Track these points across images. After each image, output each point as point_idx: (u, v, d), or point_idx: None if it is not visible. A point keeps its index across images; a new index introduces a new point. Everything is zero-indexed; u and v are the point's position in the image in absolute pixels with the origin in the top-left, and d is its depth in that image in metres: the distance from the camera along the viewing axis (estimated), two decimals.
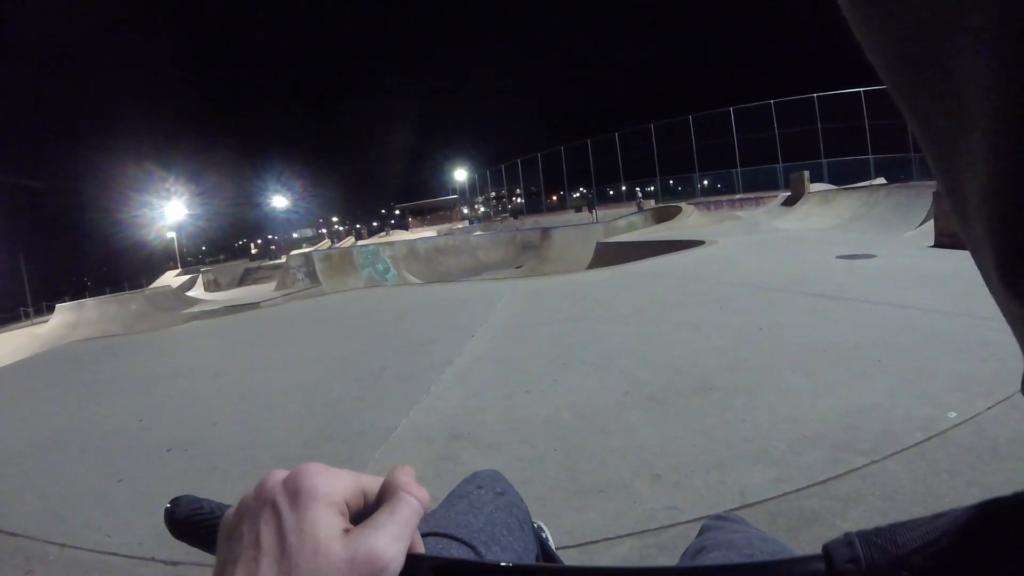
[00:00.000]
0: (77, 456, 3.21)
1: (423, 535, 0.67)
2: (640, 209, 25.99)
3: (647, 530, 1.82)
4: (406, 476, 0.39)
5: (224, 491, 2.40)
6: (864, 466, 2.02)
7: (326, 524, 0.34)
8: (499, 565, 0.39)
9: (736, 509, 1.85)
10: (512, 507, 0.80)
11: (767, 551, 0.67)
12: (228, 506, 0.41)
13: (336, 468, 0.38)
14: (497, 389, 3.38)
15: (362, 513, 0.37)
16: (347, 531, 0.35)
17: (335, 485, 0.36)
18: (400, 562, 0.35)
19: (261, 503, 0.36)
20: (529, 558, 0.75)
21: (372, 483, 0.38)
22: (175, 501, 0.45)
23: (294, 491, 0.35)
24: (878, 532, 0.30)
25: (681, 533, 1.77)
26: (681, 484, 2.07)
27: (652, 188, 42.37)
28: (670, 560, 1.67)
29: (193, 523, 0.44)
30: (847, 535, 0.31)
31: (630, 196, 42.07)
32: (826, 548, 0.31)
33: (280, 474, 0.37)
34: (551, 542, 1.07)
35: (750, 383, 2.99)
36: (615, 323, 4.77)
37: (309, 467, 0.37)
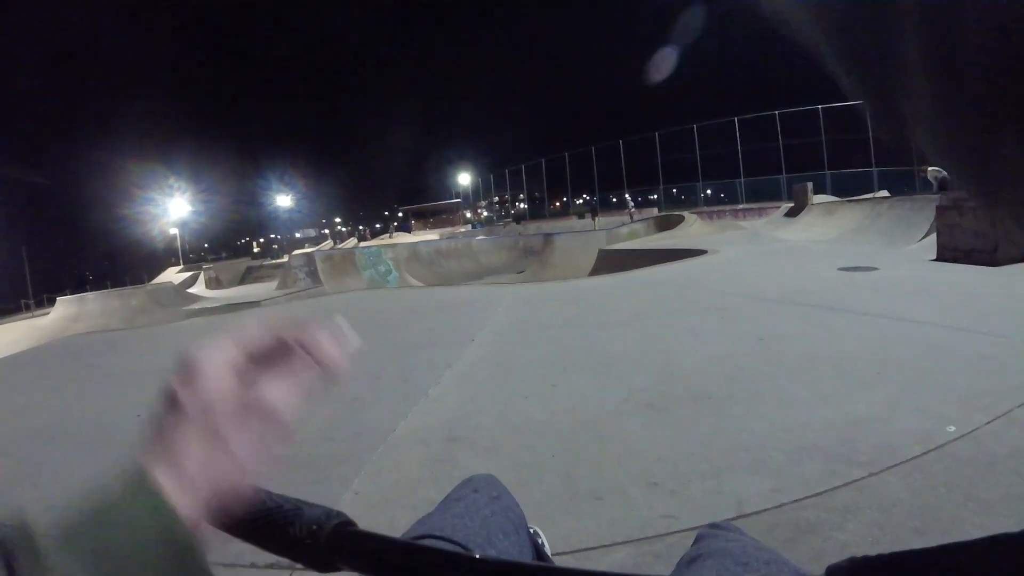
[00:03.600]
0: (75, 448, 3.22)
1: (419, 537, 0.68)
2: (632, 219, 25.93)
3: (643, 538, 1.82)
4: (308, 330, 0.45)
5: None
6: (862, 478, 2.02)
7: (214, 386, 0.40)
8: (471, 557, 0.40)
9: (733, 519, 1.85)
10: (507, 511, 0.80)
11: (762, 559, 0.67)
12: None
13: (215, 341, 0.42)
14: (495, 393, 3.38)
15: (251, 368, 0.43)
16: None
17: (215, 356, 0.41)
18: (285, 410, 0.42)
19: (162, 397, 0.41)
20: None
21: (251, 339, 0.43)
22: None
23: (183, 370, 0.41)
24: (884, 558, 0.30)
25: (677, 542, 1.77)
26: (678, 492, 2.07)
27: (655, 196, 42.31)
28: (665, 569, 1.67)
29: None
30: (853, 559, 0.30)
31: (633, 201, 42.06)
32: (830, 571, 0.31)
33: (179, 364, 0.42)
34: (547, 547, 1.07)
35: (749, 392, 2.99)
36: (615, 330, 4.77)
37: (189, 349, 0.41)
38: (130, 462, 0.39)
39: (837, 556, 0.31)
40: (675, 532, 1.82)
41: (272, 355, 0.43)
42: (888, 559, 0.29)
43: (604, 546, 1.80)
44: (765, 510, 1.89)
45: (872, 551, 0.30)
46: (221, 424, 0.39)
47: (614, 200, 42.12)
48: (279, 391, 0.42)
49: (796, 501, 1.92)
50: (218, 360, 0.41)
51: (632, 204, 33.66)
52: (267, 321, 0.44)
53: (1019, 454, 2.08)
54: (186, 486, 0.37)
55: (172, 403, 0.40)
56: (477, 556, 0.48)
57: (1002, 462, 2.04)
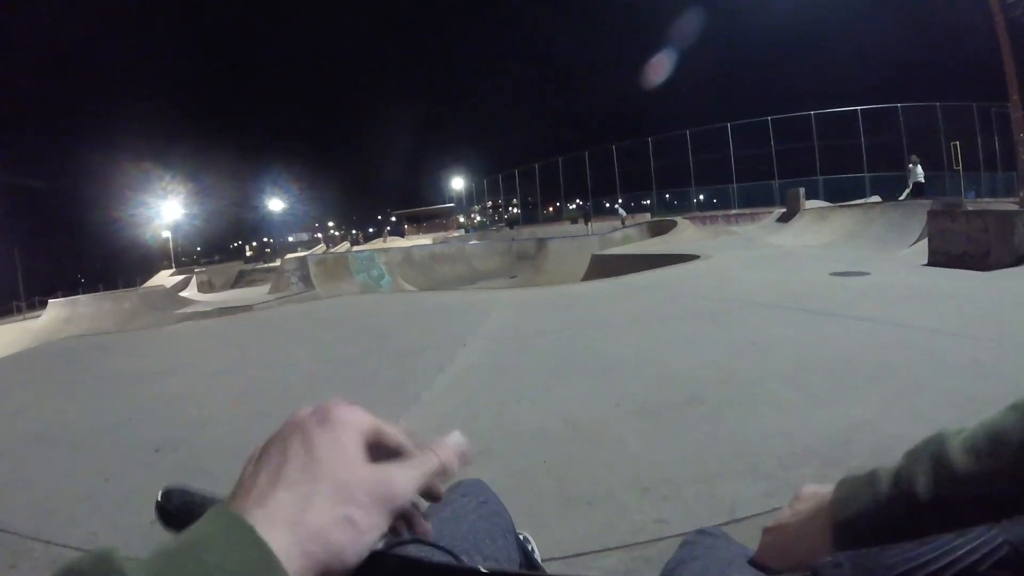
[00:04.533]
0: (65, 452, 3.19)
1: (403, 544, 0.67)
2: (623, 225, 26.00)
3: (635, 543, 1.81)
4: (441, 439, 0.45)
5: (212, 493, 2.37)
6: None
7: (353, 444, 0.38)
8: (461, 567, 0.40)
9: (725, 524, 1.84)
10: (495, 516, 0.80)
11: (748, 572, 0.67)
12: (221, 498, 0.41)
13: (356, 406, 0.41)
14: (488, 398, 3.37)
15: (375, 454, 0.40)
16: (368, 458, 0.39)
17: (362, 418, 0.40)
18: (408, 497, 0.39)
19: (291, 429, 0.39)
20: (511, 567, 0.74)
21: (386, 429, 0.42)
22: (166, 494, 0.45)
23: (323, 417, 0.39)
24: (867, 554, 0.30)
25: (668, 547, 1.75)
26: (670, 497, 2.06)
27: (648, 201, 42.47)
28: (656, 574, 1.67)
29: (187, 513, 0.43)
30: (835, 556, 0.31)
31: (626, 210, 42.21)
32: (815, 570, 0.31)
33: (306, 409, 0.41)
34: (537, 553, 1.06)
35: (742, 397, 2.99)
36: (608, 335, 4.77)
37: (335, 401, 0.41)
38: (219, 505, 0.36)
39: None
40: (667, 537, 1.82)
41: (397, 450, 0.42)
42: (873, 552, 0.31)
43: (595, 551, 1.79)
44: (758, 515, 1.88)
45: None
46: (356, 488, 0.36)
47: (607, 205, 42.24)
48: (404, 477, 0.39)
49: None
50: (361, 420, 0.40)
51: (623, 212, 33.90)
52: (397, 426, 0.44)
53: None
54: (303, 548, 0.33)
55: (305, 448, 0.36)
56: (482, 569, 0.47)
57: None
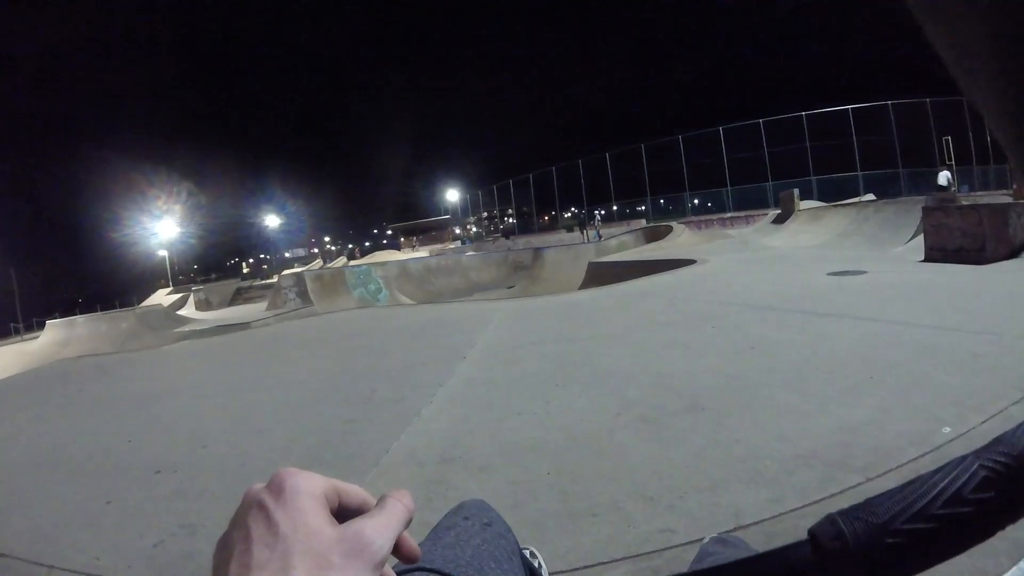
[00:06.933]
0: (66, 476, 3.17)
1: (409, 571, 0.66)
2: (595, 228, 26.12)
3: (641, 554, 1.80)
4: (402, 493, 0.41)
5: (213, 514, 2.37)
6: (858, 484, 2.00)
7: (314, 511, 0.36)
8: None
9: (731, 530, 1.83)
10: (499, 538, 0.79)
11: None
12: None
13: (309, 471, 0.39)
14: (488, 411, 3.36)
15: (337, 514, 0.38)
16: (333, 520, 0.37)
17: (315, 481, 0.38)
18: (386, 548, 0.37)
19: (247, 507, 0.37)
20: None
21: (344, 487, 0.40)
22: None
23: (278, 489, 0.37)
24: (857, 507, 0.32)
25: (675, 556, 1.75)
26: (675, 506, 2.05)
27: (643, 207, 42.62)
28: None
29: None
30: (829, 515, 0.32)
31: (621, 216, 42.30)
32: (811, 531, 0.33)
33: (259, 484, 0.39)
34: (544, 569, 1.06)
35: (742, 402, 2.98)
36: (606, 343, 4.76)
37: (286, 470, 0.38)
38: None
39: None
40: (673, 547, 1.81)
41: (361, 507, 0.40)
42: (862, 504, 0.32)
43: (602, 563, 1.78)
44: (763, 520, 1.88)
45: None
46: (329, 551, 0.34)
47: (602, 213, 42.37)
48: (375, 524, 0.37)
49: (794, 510, 1.91)
50: (316, 484, 0.38)
51: (599, 219, 34.36)
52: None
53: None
54: None
55: (267, 526, 0.35)
56: None
57: None
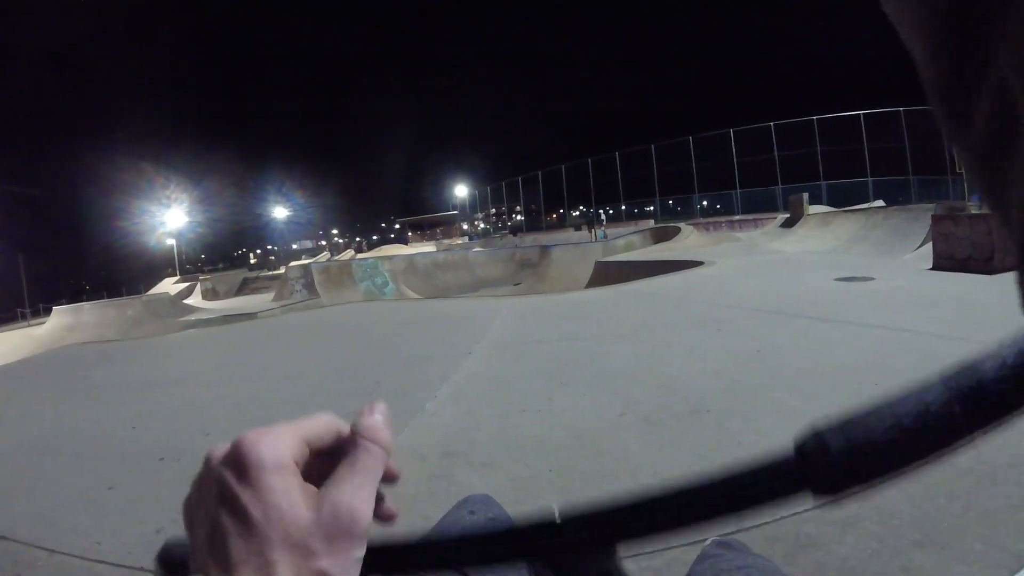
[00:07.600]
0: (69, 460, 3.19)
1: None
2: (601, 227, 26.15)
3: (641, 553, 1.80)
4: (367, 420, 0.38)
5: None
6: (860, 491, 1.99)
7: (283, 491, 0.32)
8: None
9: (732, 533, 1.83)
10: None
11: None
12: None
13: (272, 427, 0.35)
14: (492, 407, 3.36)
15: (313, 464, 0.36)
16: (306, 489, 0.34)
17: (280, 445, 0.34)
18: (366, 515, 0.34)
19: (209, 486, 0.34)
20: None
21: (312, 431, 0.37)
22: (166, 549, 0.43)
23: (242, 466, 0.33)
24: (844, 418, 0.32)
25: (676, 557, 1.75)
26: None
27: (652, 208, 42.52)
28: None
29: (186, 569, 0.42)
30: (814, 426, 0.33)
31: (630, 216, 42.22)
32: (796, 442, 0.33)
33: (220, 450, 0.35)
34: None
35: (746, 405, 2.98)
36: (612, 343, 4.76)
37: (247, 437, 0.34)
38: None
39: (838, 570, 0.32)
40: (673, 548, 1.80)
41: (336, 452, 0.37)
42: (847, 417, 0.32)
43: None
44: (765, 524, 1.87)
45: (872, 564, 0.32)
46: (309, 538, 0.32)
47: (610, 212, 42.31)
48: (351, 493, 0.34)
49: (795, 515, 1.90)
50: (280, 450, 0.34)
51: (603, 220, 34.61)
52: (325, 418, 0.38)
53: (1019, 463, 2.07)
54: None
55: (236, 516, 0.32)
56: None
57: (1002, 472, 2.03)
